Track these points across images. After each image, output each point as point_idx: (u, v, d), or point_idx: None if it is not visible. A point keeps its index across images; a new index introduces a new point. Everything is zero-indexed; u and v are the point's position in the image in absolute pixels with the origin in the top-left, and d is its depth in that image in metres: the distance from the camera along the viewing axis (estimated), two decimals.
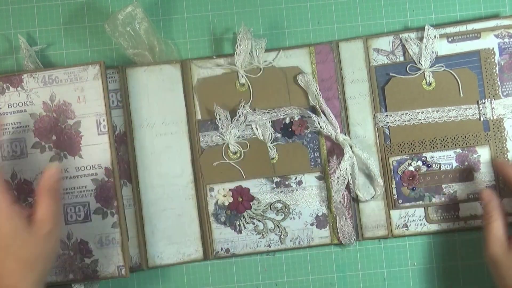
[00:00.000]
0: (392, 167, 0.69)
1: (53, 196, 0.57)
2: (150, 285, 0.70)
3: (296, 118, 0.68)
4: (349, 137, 0.69)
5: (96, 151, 0.67)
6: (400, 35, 0.69)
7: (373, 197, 0.68)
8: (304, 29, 0.72)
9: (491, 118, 0.67)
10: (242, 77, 0.68)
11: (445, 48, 0.69)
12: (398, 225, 0.69)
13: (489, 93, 0.67)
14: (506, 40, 0.68)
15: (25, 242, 0.54)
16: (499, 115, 0.67)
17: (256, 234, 0.69)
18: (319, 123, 0.67)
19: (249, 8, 0.73)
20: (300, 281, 0.72)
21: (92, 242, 0.66)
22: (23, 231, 0.54)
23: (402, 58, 0.69)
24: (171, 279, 0.70)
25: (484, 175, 0.68)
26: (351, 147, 0.68)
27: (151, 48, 0.68)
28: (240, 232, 0.69)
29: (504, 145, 0.68)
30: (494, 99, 0.67)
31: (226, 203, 0.68)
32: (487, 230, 0.62)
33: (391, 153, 0.68)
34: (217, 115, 0.67)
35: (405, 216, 0.69)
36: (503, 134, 0.67)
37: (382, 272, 0.72)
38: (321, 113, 0.68)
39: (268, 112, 0.68)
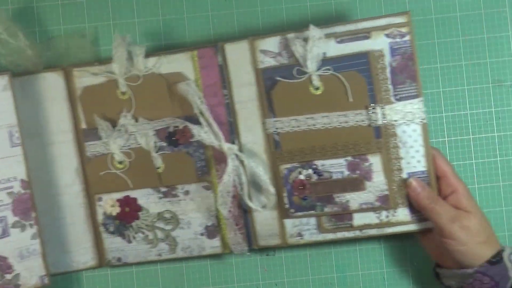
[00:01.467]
0: (283, 175, 0.78)
1: None
2: None
3: (181, 127, 0.79)
4: (240, 143, 0.79)
5: (10, 163, 0.79)
6: (287, 36, 0.76)
7: (264, 206, 0.79)
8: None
9: (382, 124, 0.75)
10: (123, 85, 0.79)
11: (333, 49, 0.76)
12: (292, 234, 0.80)
13: (379, 97, 0.75)
14: (398, 39, 0.74)
15: None
16: (391, 121, 0.75)
17: (146, 244, 0.82)
18: (200, 134, 0.77)
19: (249, 8, 0.85)
20: (300, 281, 0.86)
21: (12, 257, 0.79)
22: None
23: (289, 60, 0.77)
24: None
25: (376, 184, 0.76)
26: (238, 156, 0.78)
27: (23, 54, 0.80)
28: (130, 241, 0.82)
29: (397, 152, 0.75)
30: (385, 104, 0.75)
31: (114, 213, 0.81)
32: (433, 215, 0.73)
33: (281, 161, 0.78)
34: (99, 125, 0.79)
35: (299, 225, 0.79)
36: (395, 141, 0.75)
37: (382, 272, 0.84)
38: (204, 122, 0.77)
39: (148, 123, 0.79)
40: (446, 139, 0.84)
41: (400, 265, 0.84)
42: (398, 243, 0.83)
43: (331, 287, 0.84)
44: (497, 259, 0.70)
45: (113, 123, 0.80)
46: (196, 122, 0.78)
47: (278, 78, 0.76)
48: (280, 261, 0.85)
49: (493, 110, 0.83)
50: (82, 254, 0.83)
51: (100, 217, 0.82)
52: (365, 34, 0.75)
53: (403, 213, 0.77)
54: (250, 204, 0.78)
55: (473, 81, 0.83)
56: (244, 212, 0.80)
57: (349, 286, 0.84)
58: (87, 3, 0.84)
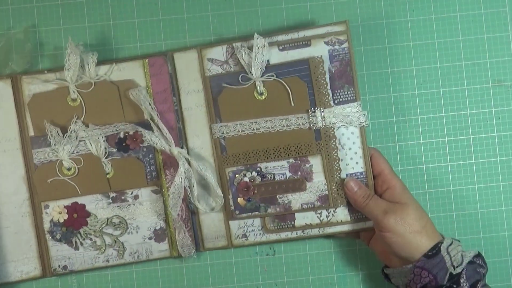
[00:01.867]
0: (228, 178, 0.82)
1: None
2: None
3: (131, 132, 0.82)
4: (187, 148, 0.82)
5: None
6: (233, 44, 0.82)
7: (213, 208, 0.82)
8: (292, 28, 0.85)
9: (322, 127, 0.80)
10: (74, 92, 0.82)
11: (276, 56, 0.82)
12: (238, 235, 0.83)
13: (319, 101, 0.80)
14: (337, 47, 0.81)
15: None
16: (330, 123, 0.80)
17: (94, 250, 0.83)
18: (152, 138, 0.80)
19: (249, 8, 0.87)
20: (300, 281, 0.86)
21: None
22: None
23: (235, 68, 0.82)
24: None
25: (316, 184, 0.81)
26: (187, 160, 0.81)
27: None
28: (77, 248, 0.83)
29: (336, 154, 0.81)
30: (325, 108, 0.80)
31: (62, 220, 0.82)
32: (369, 211, 0.76)
33: (227, 164, 0.82)
34: (49, 131, 0.81)
35: (244, 226, 0.82)
36: (334, 143, 0.80)
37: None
38: (155, 127, 0.81)
39: (99, 128, 0.81)
40: (446, 139, 0.85)
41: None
42: None
43: (331, 287, 0.86)
44: (434, 252, 0.72)
45: (63, 130, 0.82)
46: (147, 128, 0.81)
47: (225, 85, 0.81)
48: (280, 261, 0.86)
49: (493, 110, 0.85)
50: (25, 264, 0.83)
51: (46, 225, 0.83)
52: (306, 42, 0.81)
53: (343, 213, 0.82)
54: (200, 206, 0.81)
55: (473, 81, 0.85)
56: (191, 215, 0.82)
57: (349, 286, 0.86)
58: (87, 3, 0.87)
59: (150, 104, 0.80)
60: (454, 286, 0.70)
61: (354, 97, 0.80)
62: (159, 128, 0.81)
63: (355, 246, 0.85)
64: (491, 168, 0.85)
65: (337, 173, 0.81)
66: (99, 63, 0.82)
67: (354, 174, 0.81)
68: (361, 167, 0.80)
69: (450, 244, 0.73)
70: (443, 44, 0.85)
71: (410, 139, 0.85)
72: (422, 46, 0.85)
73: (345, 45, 0.80)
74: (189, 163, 0.81)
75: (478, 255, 0.73)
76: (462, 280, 0.70)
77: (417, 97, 0.86)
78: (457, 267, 0.71)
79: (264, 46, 0.80)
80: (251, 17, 0.86)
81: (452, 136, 0.85)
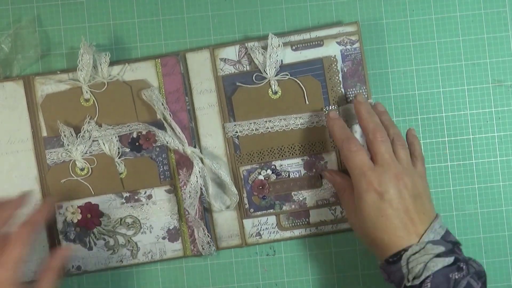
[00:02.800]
0: (242, 176, 0.84)
1: (56, 274, 0.70)
2: None
3: (144, 132, 0.83)
4: (200, 148, 0.84)
5: None
6: (246, 44, 0.84)
7: (228, 207, 0.83)
8: (305, 28, 0.86)
9: None
10: (87, 92, 0.83)
11: (289, 56, 0.84)
12: (252, 234, 0.84)
13: (333, 99, 0.83)
14: (348, 47, 0.83)
15: None
16: (346, 121, 0.83)
17: (107, 250, 0.84)
18: (165, 138, 0.81)
19: (249, 8, 0.87)
20: (300, 281, 0.87)
21: None
22: None
23: (248, 67, 0.84)
24: None
25: None
26: (201, 159, 0.82)
27: None
28: (91, 248, 0.84)
29: None
30: (338, 106, 0.83)
31: (75, 220, 0.83)
32: (342, 203, 0.78)
33: (241, 163, 0.84)
34: (62, 132, 0.82)
35: (258, 225, 0.84)
36: None
37: None
38: (168, 127, 0.82)
39: (113, 128, 0.82)
40: (446, 139, 0.86)
41: None
42: None
43: (331, 287, 0.87)
44: (394, 259, 0.69)
45: (76, 130, 0.83)
46: (160, 127, 0.83)
47: (239, 84, 0.83)
48: (280, 261, 0.87)
49: (493, 110, 0.85)
50: (39, 264, 0.83)
51: (60, 225, 0.83)
52: (318, 42, 0.83)
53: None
54: (215, 204, 0.83)
55: (473, 81, 0.85)
56: (204, 215, 0.83)
57: (349, 286, 0.87)
58: (87, 3, 0.87)
59: (162, 104, 0.81)
60: None
61: (366, 96, 0.83)
62: (172, 128, 0.81)
63: (355, 246, 0.87)
64: (491, 168, 0.85)
65: None
66: (112, 63, 0.84)
67: None
68: None
69: (416, 252, 0.68)
70: (443, 44, 0.86)
71: None
72: (422, 46, 0.86)
73: (357, 45, 0.83)
74: (202, 162, 0.82)
75: (457, 260, 0.68)
76: None
77: (417, 97, 0.87)
78: (414, 279, 0.67)
79: (279, 46, 0.82)
80: (251, 17, 0.87)
81: (452, 136, 0.86)
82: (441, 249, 0.68)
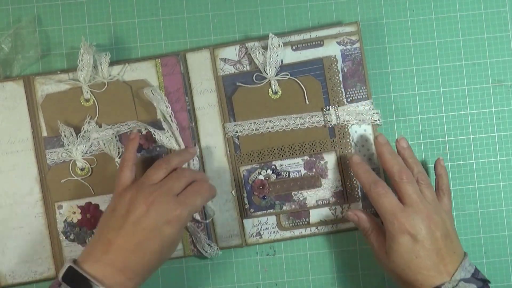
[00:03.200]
0: (242, 176, 0.84)
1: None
2: None
3: (144, 132, 0.83)
4: (200, 148, 0.84)
5: None
6: (246, 44, 0.84)
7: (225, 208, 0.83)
8: (305, 28, 0.87)
9: (336, 124, 0.83)
10: (87, 92, 0.83)
11: (290, 56, 0.84)
12: (252, 234, 0.85)
13: (333, 100, 0.83)
14: (349, 47, 0.84)
15: (174, 247, 0.74)
16: (344, 121, 0.83)
17: None
18: (161, 138, 0.81)
19: (249, 8, 0.88)
20: (300, 281, 0.87)
21: None
22: (179, 240, 0.74)
23: (249, 67, 0.84)
24: None
25: (331, 181, 0.84)
26: (199, 159, 0.83)
27: None
28: None
29: (350, 151, 0.84)
30: (339, 106, 0.83)
31: (75, 220, 0.83)
32: (370, 241, 0.78)
33: (241, 163, 0.84)
34: (62, 132, 0.82)
35: (258, 225, 0.85)
36: (348, 140, 0.84)
37: (382, 272, 0.85)
38: (167, 126, 0.82)
39: (111, 128, 0.82)
40: (446, 139, 0.86)
41: None
42: None
43: (331, 287, 0.87)
44: None
45: (76, 130, 0.83)
46: (159, 127, 0.83)
47: (239, 84, 0.84)
48: (280, 261, 0.87)
49: (493, 110, 0.85)
50: (39, 264, 0.84)
51: (60, 225, 0.83)
52: (318, 42, 0.84)
53: (356, 207, 0.84)
54: (211, 205, 0.83)
55: (473, 81, 0.86)
56: (205, 217, 0.84)
57: (349, 286, 0.87)
58: (87, 3, 0.87)
59: (164, 103, 0.82)
60: None
61: (366, 96, 0.83)
62: (170, 128, 0.82)
63: (355, 246, 0.87)
64: (491, 168, 0.86)
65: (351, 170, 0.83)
66: (112, 63, 0.84)
67: None
68: (374, 164, 0.84)
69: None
70: (443, 44, 0.86)
71: (410, 139, 0.87)
72: (422, 46, 0.87)
73: (357, 45, 0.83)
74: (202, 163, 0.82)
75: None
76: None
77: (417, 97, 0.87)
78: None
79: (279, 46, 0.82)
80: (251, 17, 0.87)
81: (452, 136, 0.86)
82: (473, 287, 0.70)
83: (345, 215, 0.80)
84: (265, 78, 0.83)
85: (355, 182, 0.83)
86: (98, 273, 0.68)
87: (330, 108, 0.83)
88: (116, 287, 0.68)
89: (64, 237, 0.83)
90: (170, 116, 0.82)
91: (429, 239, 0.71)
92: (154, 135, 0.81)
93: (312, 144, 0.83)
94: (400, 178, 0.74)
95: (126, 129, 0.83)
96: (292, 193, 0.84)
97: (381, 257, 0.75)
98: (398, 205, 0.73)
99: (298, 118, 0.83)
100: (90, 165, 0.83)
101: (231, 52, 0.84)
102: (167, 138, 0.81)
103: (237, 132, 0.83)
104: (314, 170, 0.84)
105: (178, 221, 0.71)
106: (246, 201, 0.84)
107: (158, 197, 0.71)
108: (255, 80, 0.84)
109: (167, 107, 0.82)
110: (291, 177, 0.84)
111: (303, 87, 0.83)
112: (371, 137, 0.83)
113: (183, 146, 0.82)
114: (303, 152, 0.83)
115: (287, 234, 0.85)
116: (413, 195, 0.73)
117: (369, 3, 0.88)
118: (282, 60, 0.84)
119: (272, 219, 0.85)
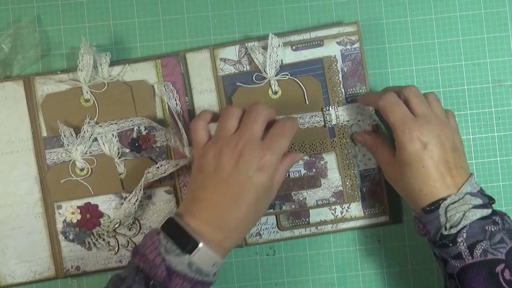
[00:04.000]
0: None
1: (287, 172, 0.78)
2: None
3: (144, 132, 0.84)
4: None
5: None
6: (246, 44, 0.84)
7: None
8: (305, 28, 0.87)
9: (336, 124, 0.83)
10: (87, 92, 0.83)
11: (289, 56, 0.85)
12: (252, 234, 0.85)
13: (333, 100, 0.84)
14: (348, 47, 0.84)
15: (268, 199, 0.73)
16: (344, 121, 0.83)
17: (108, 251, 0.84)
18: (165, 135, 0.82)
19: (249, 8, 0.88)
20: (300, 281, 0.87)
21: None
22: (272, 190, 0.73)
23: (248, 67, 0.85)
24: None
25: (331, 181, 0.84)
26: None
27: None
28: (90, 249, 0.84)
29: (350, 150, 0.84)
30: (338, 106, 0.83)
31: (74, 221, 0.84)
32: (377, 158, 0.79)
33: None
34: (62, 132, 0.82)
35: (258, 225, 0.85)
36: (348, 139, 0.84)
37: (382, 272, 0.86)
38: (170, 125, 0.83)
39: (116, 123, 0.83)
40: None
41: (400, 265, 0.86)
42: (398, 243, 0.86)
43: (331, 287, 0.87)
44: (432, 208, 0.71)
45: (76, 130, 0.83)
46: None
47: (239, 84, 0.84)
48: (280, 261, 0.88)
49: (493, 110, 0.86)
50: (39, 264, 0.84)
51: (59, 226, 0.84)
52: (318, 42, 0.84)
53: (356, 209, 0.85)
54: None
55: (473, 81, 0.86)
56: None
57: (349, 286, 0.87)
58: (87, 3, 0.88)
59: (176, 100, 0.82)
60: (450, 244, 0.70)
61: None
62: (177, 126, 0.82)
63: (355, 246, 0.87)
64: (491, 168, 0.86)
65: (351, 169, 0.84)
66: (112, 63, 0.84)
67: (367, 170, 0.85)
68: (374, 164, 0.84)
69: (455, 202, 0.70)
70: (443, 44, 0.86)
71: None
72: (422, 46, 0.87)
73: (357, 45, 0.84)
74: None
75: (494, 213, 0.70)
76: (460, 239, 0.69)
77: None
78: (451, 227, 0.69)
79: (279, 46, 0.82)
80: (251, 17, 0.88)
81: None
82: (479, 201, 0.69)
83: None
84: (265, 78, 0.84)
85: (355, 182, 0.83)
86: (196, 229, 0.67)
87: (330, 108, 0.83)
88: (214, 244, 0.67)
89: (63, 237, 0.84)
90: (179, 114, 0.83)
91: (438, 149, 0.71)
92: (159, 131, 0.82)
93: (312, 144, 0.84)
94: (408, 92, 0.74)
95: (130, 125, 0.83)
96: (292, 193, 0.84)
97: (389, 171, 0.76)
98: (410, 114, 0.72)
99: (298, 118, 0.83)
100: (90, 166, 0.83)
101: (231, 52, 0.85)
102: (171, 136, 0.81)
103: None
104: (314, 170, 0.84)
105: (268, 167, 0.69)
106: None
107: (243, 148, 0.69)
108: (255, 80, 0.84)
109: (177, 105, 0.82)
110: (291, 177, 0.84)
111: (303, 87, 0.83)
112: None
113: (187, 145, 0.82)
114: (303, 152, 0.84)
115: (287, 234, 0.85)
116: (423, 106, 0.73)
117: (369, 3, 0.88)
118: (282, 60, 0.84)
119: (272, 219, 0.85)
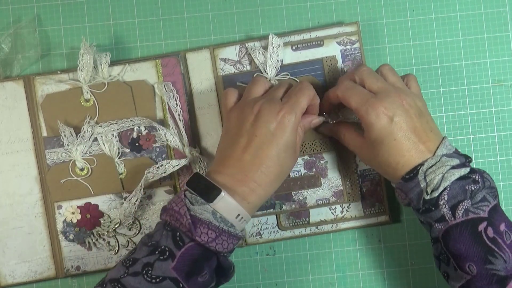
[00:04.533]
0: None
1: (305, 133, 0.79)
2: None
3: (144, 133, 0.84)
4: (200, 148, 0.84)
5: None
6: (246, 44, 0.84)
7: None
8: (305, 28, 0.87)
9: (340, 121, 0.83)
10: (87, 92, 0.83)
11: (290, 56, 0.85)
12: (252, 234, 0.85)
13: None
14: (348, 47, 0.84)
15: (290, 156, 0.73)
16: (346, 119, 0.83)
17: (108, 251, 0.84)
18: (166, 135, 0.82)
19: (249, 8, 0.88)
20: (300, 281, 0.87)
21: None
22: (293, 147, 0.73)
23: (249, 67, 0.85)
24: None
25: (331, 180, 0.84)
26: (200, 159, 0.83)
27: None
28: (90, 249, 0.84)
29: (350, 150, 0.84)
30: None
31: (74, 221, 0.84)
32: (347, 143, 0.79)
33: None
34: (62, 132, 0.82)
35: (258, 225, 0.85)
36: None
37: (382, 272, 0.86)
38: (170, 125, 0.83)
39: (116, 123, 0.83)
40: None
41: (400, 265, 0.86)
42: (398, 243, 0.86)
43: (331, 287, 0.87)
44: (410, 175, 0.70)
45: (76, 130, 0.83)
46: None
47: (239, 84, 0.84)
48: (280, 261, 0.88)
49: (493, 110, 0.86)
50: (39, 264, 0.84)
51: (59, 225, 0.84)
52: (318, 42, 0.84)
53: (356, 209, 0.85)
54: None
55: (473, 81, 0.86)
56: None
57: (349, 286, 0.88)
58: (87, 3, 0.88)
59: (176, 100, 0.83)
60: (433, 208, 0.70)
61: None
62: (177, 126, 0.82)
63: (355, 245, 0.87)
64: (491, 168, 0.86)
65: (351, 169, 0.84)
66: (112, 63, 0.84)
67: (367, 170, 0.85)
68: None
69: (432, 165, 0.70)
70: (443, 44, 0.87)
71: None
72: (422, 46, 0.87)
73: (357, 45, 0.84)
74: (201, 163, 0.83)
75: (473, 172, 0.70)
76: (441, 202, 0.69)
77: None
78: (432, 191, 0.69)
79: (279, 46, 0.83)
80: (251, 17, 0.88)
81: (452, 136, 0.86)
82: (456, 161, 0.70)
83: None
84: (266, 78, 0.83)
85: (355, 181, 0.83)
86: (220, 181, 0.70)
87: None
88: (238, 197, 0.70)
89: (64, 237, 0.84)
90: (179, 114, 0.82)
91: (404, 118, 0.71)
92: (160, 132, 0.82)
93: (312, 144, 0.84)
94: (361, 73, 0.75)
95: (131, 125, 0.83)
96: (292, 192, 0.84)
97: (362, 152, 0.76)
98: (368, 93, 0.73)
99: None
100: (90, 165, 0.84)
101: (231, 52, 0.85)
102: (171, 136, 0.81)
103: None
104: (314, 169, 0.84)
105: (286, 122, 0.71)
106: None
107: (262, 104, 0.72)
108: None
109: (177, 104, 0.83)
110: (291, 176, 0.84)
111: None
112: None
113: (187, 145, 0.82)
114: (303, 152, 0.84)
115: (287, 233, 0.85)
116: (379, 82, 0.74)
117: (369, 3, 0.88)
118: (282, 60, 0.84)
119: (272, 219, 0.85)
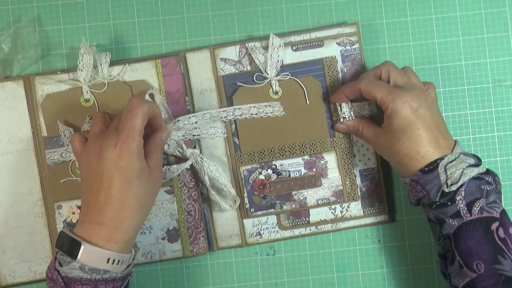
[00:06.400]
0: (243, 176, 0.85)
1: (162, 151, 0.76)
2: None
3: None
4: (200, 148, 0.84)
5: None
6: (246, 44, 0.84)
7: (230, 206, 0.84)
8: (305, 29, 0.88)
9: (350, 118, 0.83)
10: (87, 92, 0.83)
11: (290, 56, 0.85)
12: (252, 234, 0.85)
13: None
14: (348, 47, 0.84)
15: (145, 182, 0.71)
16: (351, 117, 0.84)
17: None
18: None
19: (249, 8, 0.88)
20: (300, 281, 0.88)
21: None
22: (145, 172, 0.71)
23: (249, 67, 0.85)
24: None
25: (331, 180, 0.85)
26: (202, 159, 0.83)
27: None
28: None
29: (350, 150, 0.84)
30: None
31: (75, 220, 0.84)
32: (364, 136, 0.80)
33: (241, 163, 0.85)
34: (62, 132, 0.82)
35: (258, 224, 0.85)
36: (348, 139, 0.84)
37: (382, 272, 0.87)
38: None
39: None
40: None
41: (400, 265, 0.86)
42: (398, 243, 0.86)
43: (331, 287, 0.88)
44: (430, 168, 0.72)
45: (76, 130, 0.84)
46: None
47: (239, 84, 0.84)
48: (280, 261, 0.88)
49: (493, 110, 0.86)
50: (39, 264, 0.84)
51: (59, 225, 0.84)
52: (318, 43, 0.84)
53: (356, 208, 0.86)
54: (222, 203, 0.83)
55: (473, 81, 0.87)
56: (204, 215, 0.84)
57: (349, 286, 0.88)
58: (87, 3, 0.88)
59: (167, 112, 0.83)
60: (449, 203, 0.71)
61: None
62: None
63: (355, 245, 0.88)
64: (491, 168, 0.84)
65: (351, 169, 0.84)
66: (112, 63, 0.84)
67: (366, 170, 0.85)
68: (373, 163, 0.85)
69: (452, 160, 0.72)
70: (443, 44, 0.87)
71: None
72: (422, 46, 0.87)
73: (356, 45, 0.84)
74: (202, 162, 0.83)
75: (488, 173, 0.72)
76: (458, 198, 0.71)
77: None
78: (451, 185, 0.71)
79: (280, 46, 0.83)
80: (251, 17, 0.88)
81: (453, 136, 0.84)
82: (472, 161, 0.72)
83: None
84: (266, 78, 0.84)
85: (355, 181, 0.83)
86: (84, 233, 0.69)
87: (342, 104, 0.83)
88: (102, 241, 0.69)
89: None
90: (171, 120, 0.83)
91: (428, 112, 0.73)
92: None
93: (312, 143, 0.84)
94: (388, 66, 0.77)
95: None
96: (293, 192, 0.84)
97: (380, 141, 0.77)
98: (394, 87, 0.75)
99: (251, 108, 0.85)
100: None
101: (231, 52, 0.85)
102: (172, 140, 0.82)
103: (236, 116, 0.84)
104: (314, 169, 0.84)
105: (125, 150, 0.70)
106: (246, 200, 0.85)
107: (102, 142, 0.71)
108: (255, 80, 0.85)
109: (167, 110, 0.82)
110: (291, 176, 0.84)
111: (303, 87, 0.83)
112: None
113: (185, 148, 0.83)
114: (303, 152, 0.84)
115: (287, 233, 0.85)
116: (405, 78, 0.76)
117: (369, 3, 0.88)
118: (282, 60, 0.84)
119: (272, 219, 0.85)
